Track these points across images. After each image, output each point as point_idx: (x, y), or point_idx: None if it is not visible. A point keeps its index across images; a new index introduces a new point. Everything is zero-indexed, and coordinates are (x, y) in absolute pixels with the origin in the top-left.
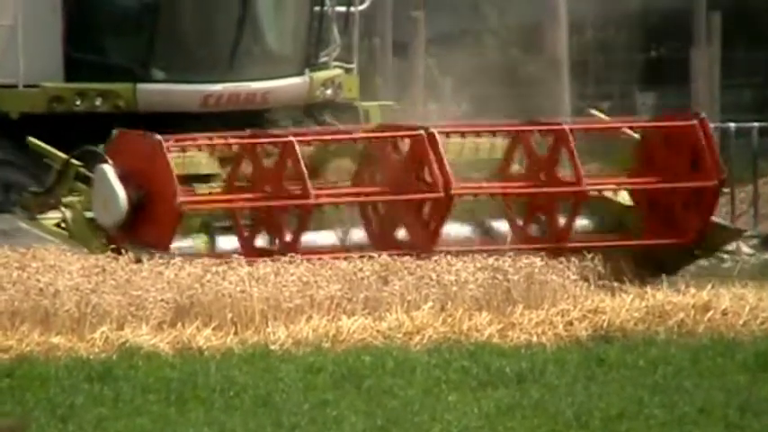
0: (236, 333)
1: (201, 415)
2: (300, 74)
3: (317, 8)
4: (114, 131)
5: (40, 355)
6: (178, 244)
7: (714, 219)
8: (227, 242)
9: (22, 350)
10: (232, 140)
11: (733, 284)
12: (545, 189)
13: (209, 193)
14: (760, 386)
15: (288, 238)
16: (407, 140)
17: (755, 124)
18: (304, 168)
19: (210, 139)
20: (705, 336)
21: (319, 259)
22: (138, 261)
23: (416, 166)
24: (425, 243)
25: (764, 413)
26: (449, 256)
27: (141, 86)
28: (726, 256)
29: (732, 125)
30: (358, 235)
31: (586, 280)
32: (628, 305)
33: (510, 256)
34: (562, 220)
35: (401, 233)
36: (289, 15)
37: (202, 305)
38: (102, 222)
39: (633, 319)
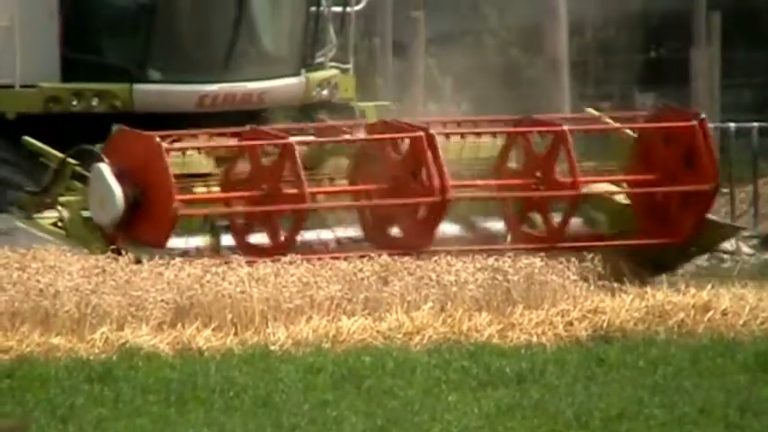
0: (235, 334)
1: (201, 415)
2: (296, 74)
3: (312, 8)
4: (114, 127)
5: (41, 356)
6: (186, 243)
7: (710, 216)
8: (230, 240)
9: (22, 351)
10: (232, 141)
11: (733, 284)
12: (540, 193)
13: (207, 191)
14: (760, 386)
15: (282, 238)
16: (407, 140)
17: (755, 124)
18: (302, 172)
19: (210, 136)
20: (705, 336)
21: (319, 259)
22: (138, 262)
23: (414, 166)
24: (421, 243)
25: (764, 413)
26: (449, 257)
27: (138, 87)
28: (726, 256)
29: (732, 125)
30: (353, 233)
31: (586, 280)
32: (628, 305)
33: (510, 257)
34: (557, 219)
35: (396, 231)
36: (285, 16)
37: (202, 306)
38: (98, 221)
39: (633, 319)
